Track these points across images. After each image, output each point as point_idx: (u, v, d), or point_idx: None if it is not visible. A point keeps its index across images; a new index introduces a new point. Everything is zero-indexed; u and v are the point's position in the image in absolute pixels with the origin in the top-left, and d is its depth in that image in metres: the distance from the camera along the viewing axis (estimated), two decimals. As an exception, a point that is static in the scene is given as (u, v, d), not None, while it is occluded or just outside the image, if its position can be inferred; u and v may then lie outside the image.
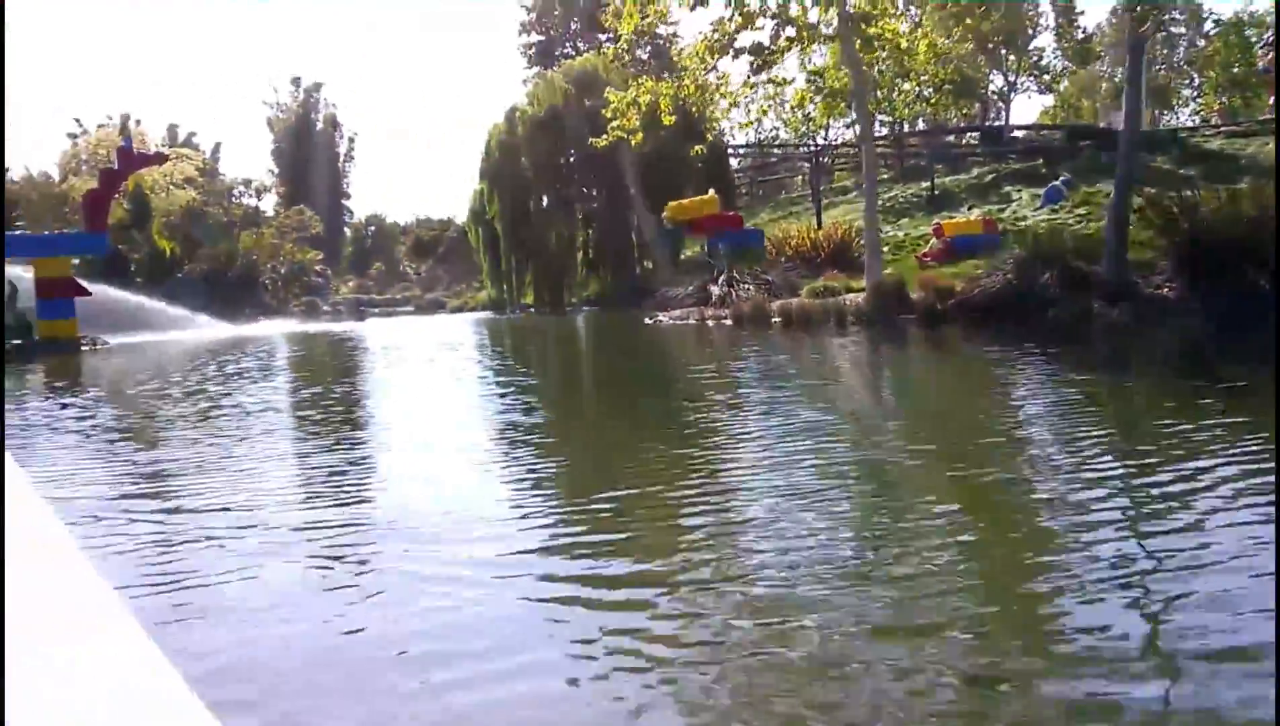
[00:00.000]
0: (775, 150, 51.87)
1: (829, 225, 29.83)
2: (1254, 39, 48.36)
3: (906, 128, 49.48)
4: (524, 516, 5.31)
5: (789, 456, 6.62)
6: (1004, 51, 51.51)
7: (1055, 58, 56.37)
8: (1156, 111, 57.54)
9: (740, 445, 7.16)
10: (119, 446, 8.50)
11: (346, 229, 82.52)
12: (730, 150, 45.15)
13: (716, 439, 7.64)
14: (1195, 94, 62.93)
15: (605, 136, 21.63)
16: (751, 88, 21.57)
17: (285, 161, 76.72)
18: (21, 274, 25.65)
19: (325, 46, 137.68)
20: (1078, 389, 9.57)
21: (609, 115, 21.09)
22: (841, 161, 46.84)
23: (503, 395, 11.70)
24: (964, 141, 49.95)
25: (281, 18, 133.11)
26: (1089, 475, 5.58)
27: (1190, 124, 53.18)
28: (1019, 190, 32.61)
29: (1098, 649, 3.17)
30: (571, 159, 41.82)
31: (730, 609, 3.66)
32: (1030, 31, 53.18)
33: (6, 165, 52.16)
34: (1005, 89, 55.17)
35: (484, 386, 13.15)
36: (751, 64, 20.26)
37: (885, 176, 37.68)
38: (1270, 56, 39.79)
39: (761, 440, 7.29)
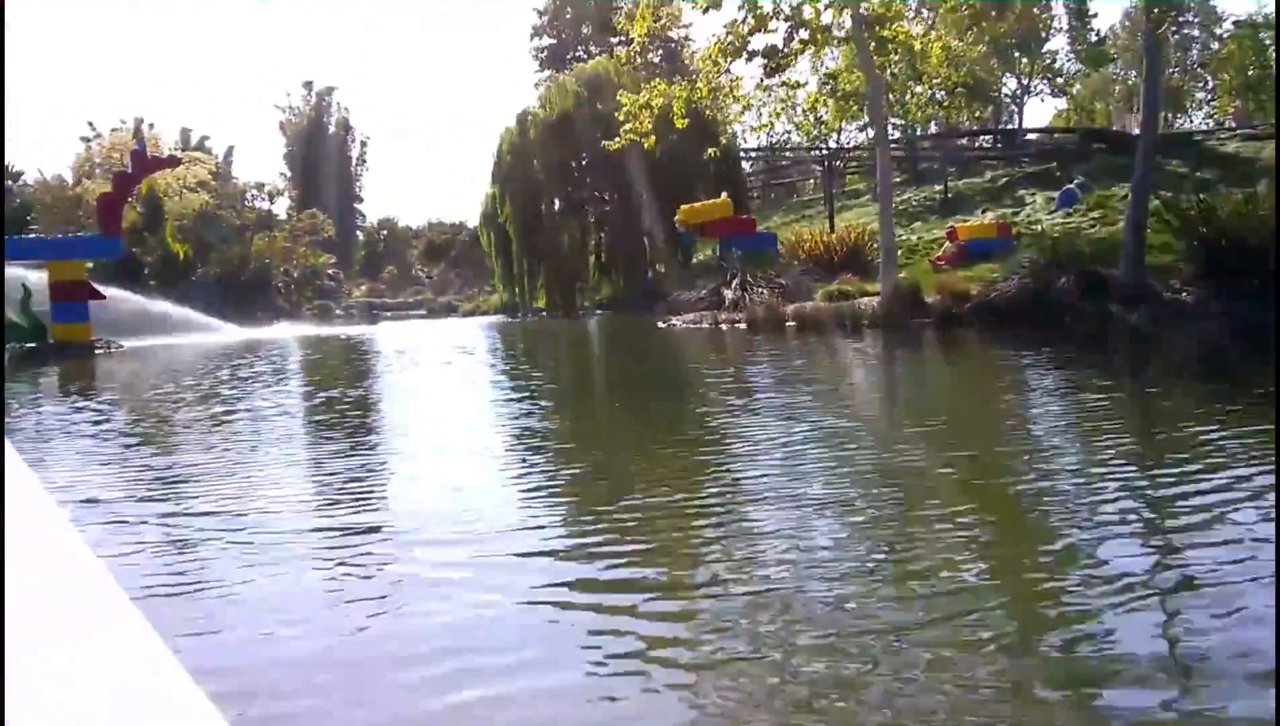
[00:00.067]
0: (787, 153, 51.83)
1: (842, 229, 29.75)
2: (1268, 41, 48.09)
3: (919, 131, 49.43)
4: (540, 521, 5.26)
5: (806, 462, 6.57)
6: (1017, 54, 51.36)
7: (1069, 61, 56.23)
8: (1170, 115, 57.28)
9: (758, 450, 7.09)
10: (132, 450, 8.47)
11: (359, 232, 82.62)
12: (742, 154, 45.10)
13: (734, 444, 7.58)
14: (1209, 97, 62.73)
15: (618, 139, 21.59)
16: (765, 90, 21.53)
17: (297, 165, 76.87)
18: (36, 277, 25.73)
19: (337, 50, 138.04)
20: (1099, 394, 9.46)
21: (622, 118, 21.05)
22: (853, 165, 46.78)
23: (518, 399, 11.65)
24: (977, 145, 49.81)
25: (294, 21, 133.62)
26: (1109, 482, 5.50)
27: (1204, 127, 52.99)
28: (1033, 193, 32.54)
29: (1113, 658, 3.12)
30: (583, 162, 41.83)
31: (743, 613, 3.62)
32: (1044, 34, 53.03)
33: (19, 168, 52.56)
34: (1019, 92, 55.01)
35: (499, 390, 13.12)
36: (764, 67, 20.19)
37: (898, 180, 37.61)
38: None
39: (779, 445, 7.21)
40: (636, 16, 19.82)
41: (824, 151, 43.28)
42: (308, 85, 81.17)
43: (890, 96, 24.05)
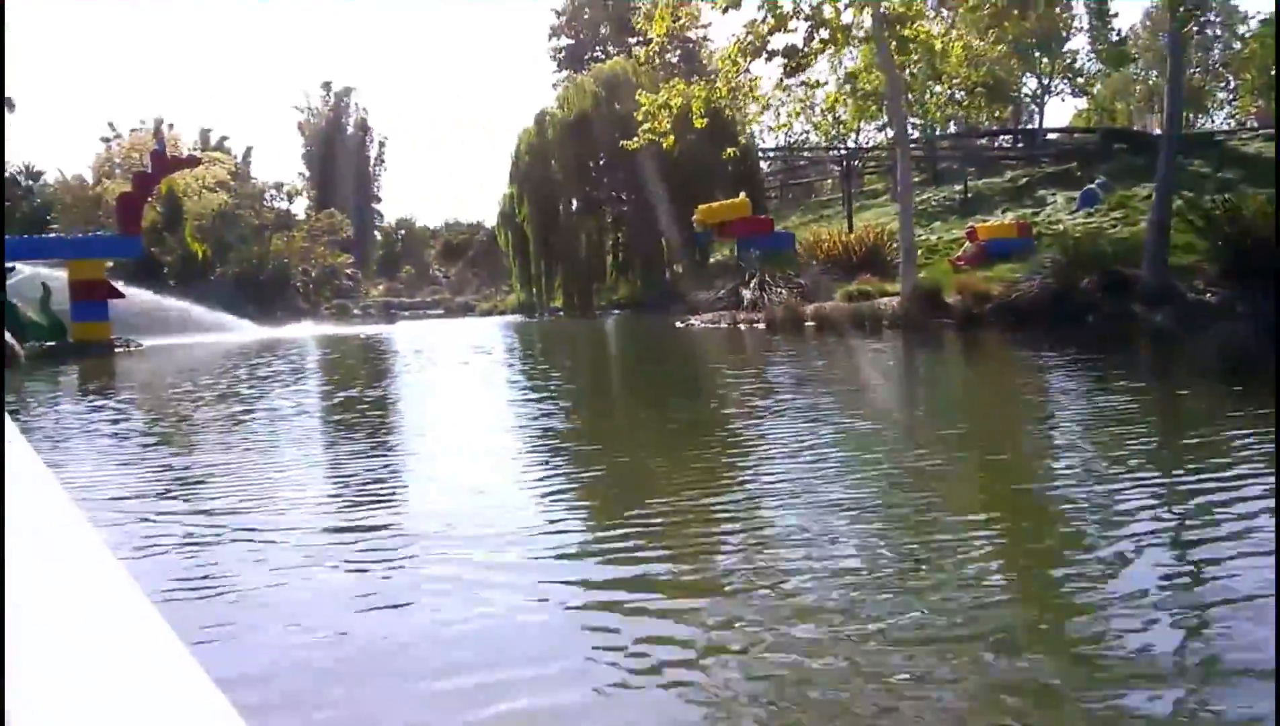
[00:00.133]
0: (805, 153, 51.69)
1: (861, 229, 29.59)
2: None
3: (939, 131, 49.23)
4: (563, 524, 5.21)
5: (832, 465, 6.50)
6: (1038, 54, 51.08)
7: (1089, 60, 55.88)
8: (1192, 115, 56.90)
9: (780, 452, 7.01)
10: (151, 450, 8.45)
11: (376, 232, 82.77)
12: (760, 154, 44.99)
13: (756, 446, 7.50)
14: (1231, 97, 62.31)
15: (636, 139, 21.54)
16: (785, 90, 21.44)
17: (316, 165, 77.06)
18: (56, 276, 25.86)
19: (354, 51, 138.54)
20: (1125, 396, 9.34)
21: (640, 118, 21.00)
22: (872, 165, 46.62)
23: (537, 400, 11.59)
24: (997, 145, 49.57)
25: (312, 22, 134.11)
26: (1134, 485, 5.42)
27: (1226, 127, 52.61)
28: (1053, 194, 32.32)
29: (1133, 662, 3.08)
30: (601, 162, 41.82)
31: (765, 617, 3.58)
32: (1065, 34, 52.72)
33: (39, 168, 52.83)
34: (1039, 92, 54.71)
35: (518, 391, 13.07)
36: (784, 66, 20.10)
37: (917, 180, 37.43)
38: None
39: (805, 447, 7.13)
40: (655, 16, 19.77)
41: (842, 151, 43.12)
42: (326, 86, 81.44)
43: (910, 96, 23.92)
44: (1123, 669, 3.03)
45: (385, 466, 7.24)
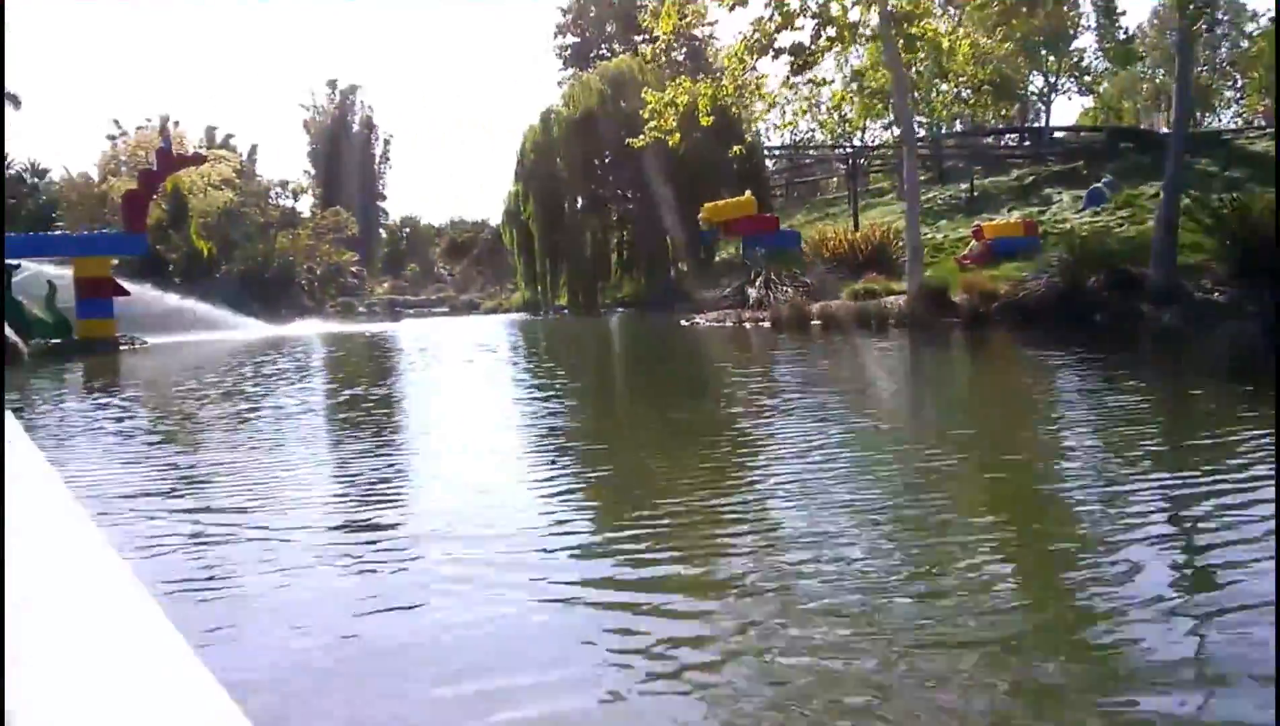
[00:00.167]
0: (810, 152, 51.59)
1: (866, 227, 29.49)
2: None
3: (945, 129, 49.11)
4: (568, 522, 5.18)
5: (838, 465, 6.46)
6: (1044, 52, 50.92)
7: (1096, 59, 55.68)
8: (1199, 113, 56.71)
9: (790, 453, 6.96)
10: (156, 448, 8.42)
11: (381, 230, 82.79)
12: (765, 152, 44.89)
13: (765, 446, 7.46)
14: (1238, 96, 62.10)
15: (642, 137, 21.46)
16: (791, 88, 21.37)
17: (321, 163, 77.07)
18: (61, 273, 25.86)
19: (358, 47, 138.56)
20: (1135, 396, 9.29)
21: (646, 116, 20.93)
22: (877, 163, 46.52)
23: (543, 398, 11.55)
24: (1003, 143, 49.44)
25: (318, 20, 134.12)
26: (1145, 487, 5.40)
27: (1233, 126, 52.43)
28: (1059, 192, 32.21)
29: (1149, 666, 3.06)
30: (606, 160, 41.76)
31: (776, 619, 3.55)
32: (1072, 32, 52.53)
33: (45, 166, 52.89)
34: (1045, 90, 54.54)
35: (523, 389, 13.03)
36: (791, 64, 20.03)
37: (923, 178, 37.34)
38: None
39: (811, 447, 7.09)
40: (662, 14, 19.69)
41: (848, 150, 43.05)
42: (332, 83, 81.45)
43: (916, 94, 23.84)
44: (1139, 673, 3.00)
45: (391, 465, 7.21)
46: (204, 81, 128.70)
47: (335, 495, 6.16)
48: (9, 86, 48.24)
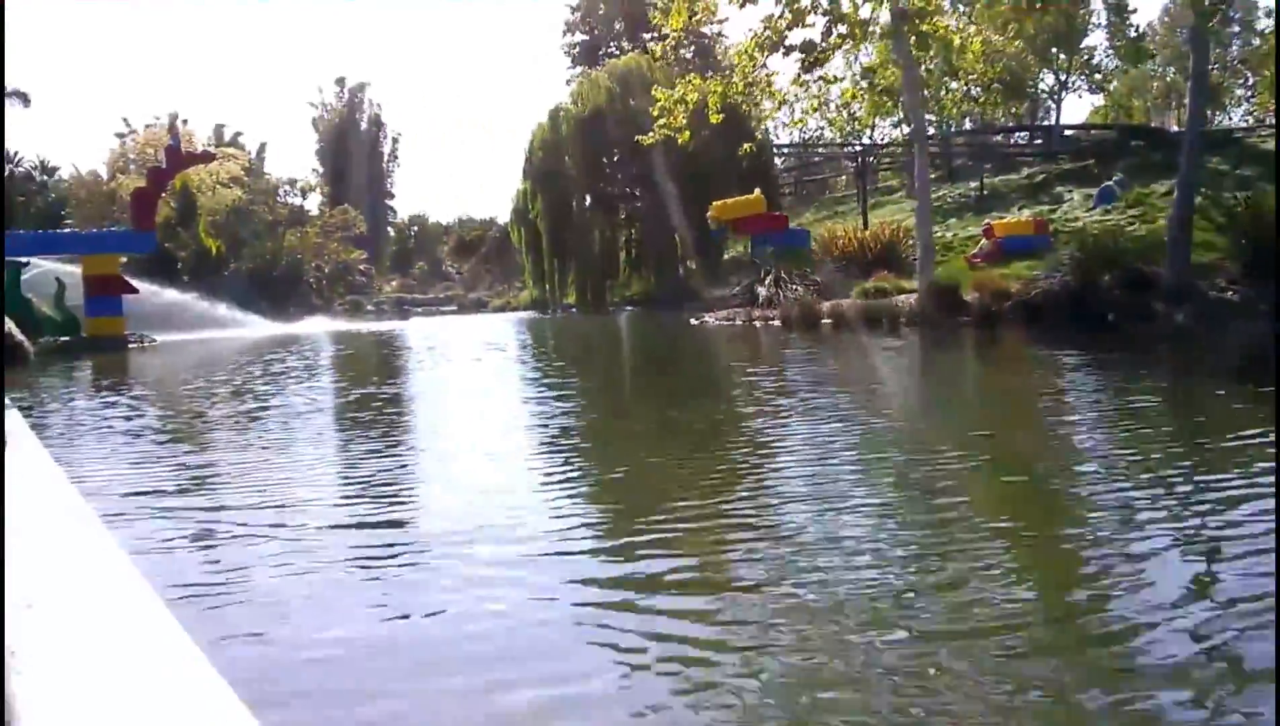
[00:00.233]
0: (819, 150, 51.53)
1: (876, 225, 29.39)
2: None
3: (954, 127, 49.01)
4: (580, 522, 5.14)
5: (851, 465, 6.42)
6: (1055, 50, 50.77)
7: (1107, 56, 55.52)
8: (1210, 111, 56.48)
9: (802, 453, 6.90)
10: (165, 447, 8.38)
11: (390, 228, 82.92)
12: (774, 150, 44.83)
13: (777, 447, 7.40)
14: (1249, 93, 61.83)
15: (651, 135, 21.41)
16: (802, 86, 21.28)
17: (329, 161, 77.16)
18: (70, 271, 25.89)
19: (362, 45, 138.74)
20: (1150, 396, 9.22)
21: (656, 113, 20.88)
22: (886, 161, 46.43)
23: (555, 397, 11.49)
24: (1013, 141, 49.29)
25: (325, 17, 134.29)
26: (1161, 487, 5.35)
27: (1244, 124, 52.21)
28: (1070, 190, 32.06)
29: (1147, 662, 3.07)
30: (615, 159, 41.72)
31: (783, 619, 3.52)
32: (1083, 29, 52.36)
33: (55, 164, 53.01)
34: (1056, 88, 54.40)
35: (533, 388, 12.98)
36: (802, 62, 19.96)
37: (933, 176, 37.21)
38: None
39: (823, 448, 7.03)
40: (673, 10, 19.63)
41: (857, 148, 42.98)
42: (340, 81, 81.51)
43: (926, 92, 23.74)
44: (1147, 672, 3.00)
45: (402, 465, 7.16)
46: (212, 79, 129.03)
47: (346, 495, 6.11)
48: (19, 85, 48.43)
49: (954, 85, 26.78)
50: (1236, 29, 59.39)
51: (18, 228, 38.53)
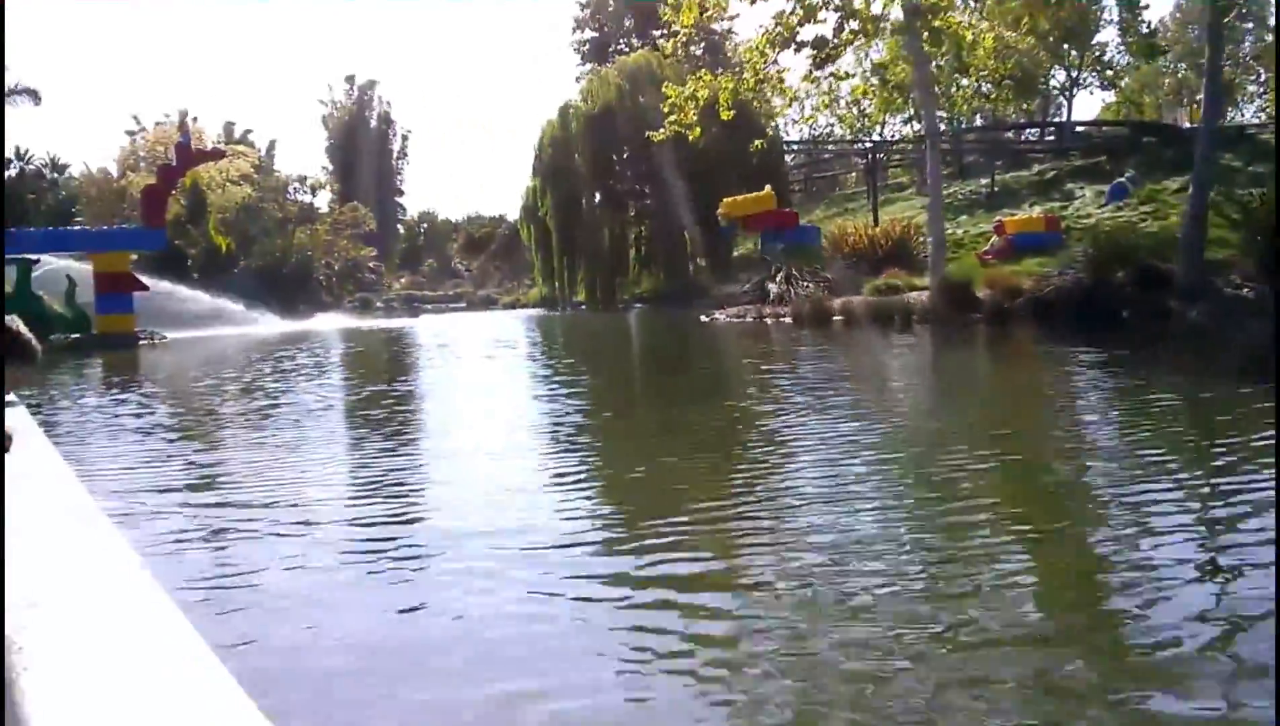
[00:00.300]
0: (829, 147, 51.42)
1: (886, 222, 29.30)
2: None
3: (965, 124, 48.85)
4: (594, 521, 5.12)
5: (868, 464, 6.36)
6: (1066, 46, 50.56)
7: (1119, 53, 55.31)
8: (1222, 108, 56.21)
9: (818, 452, 6.85)
10: (175, 445, 8.36)
11: (399, 225, 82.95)
12: (784, 147, 44.74)
13: (794, 445, 7.34)
14: (1261, 90, 61.53)
15: (662, 131, 21.37)
16: (813, 82, 21.22)
17: (339, 159, 77.20)
18: (81, 268, 25.94)
19: (379, 42, 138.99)
20: (1167, 394, 9.13)
21: (666, 110, 20.84)
22: (896, 158, 46.32)
23: (566, 395, 11.46)
24: (1024, 138, 49.11)
25: (334, 15, 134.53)
26: (1170, 486, 5.34)
27: (1256, 120, 51.95)
28: (1081, 187, 31.95)
29: (1162, 662, 3.05)
30: (624, 156, 41.68)
31: (799, 618, 3.52)
32: (1094, 26, 52.15)
33: (65, 161, 53.16)
34: (1067, 84, 54.21)
35: (544, 386, 12.94)
36: (813, 58, 19.89)
37: (944, 173, 37.09)
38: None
39: (839, 446, 6.99)
40: (683, 7, 19.58)
41: (867, 145, 42.88)
42: (350, 79, 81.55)
43: (937, 88, 23.65)
44: (1158, 671, 2.99)
45: (414, 463, 7.14)
46: (223, 77, 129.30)
47: (358, 493, 6.08)
48: (30, 82, 48.56)
49: (965, 81, 26.57)
50: (1250, 25, 59.13)
51: (28, 225, 38.67)
